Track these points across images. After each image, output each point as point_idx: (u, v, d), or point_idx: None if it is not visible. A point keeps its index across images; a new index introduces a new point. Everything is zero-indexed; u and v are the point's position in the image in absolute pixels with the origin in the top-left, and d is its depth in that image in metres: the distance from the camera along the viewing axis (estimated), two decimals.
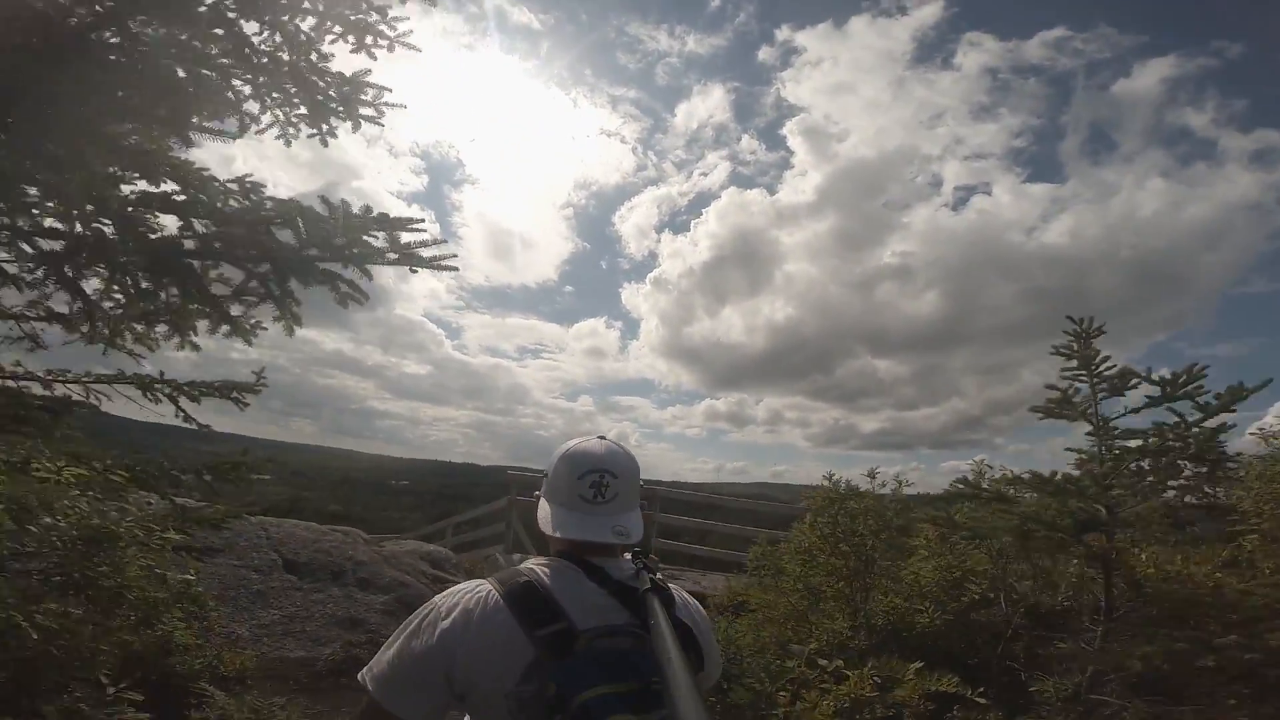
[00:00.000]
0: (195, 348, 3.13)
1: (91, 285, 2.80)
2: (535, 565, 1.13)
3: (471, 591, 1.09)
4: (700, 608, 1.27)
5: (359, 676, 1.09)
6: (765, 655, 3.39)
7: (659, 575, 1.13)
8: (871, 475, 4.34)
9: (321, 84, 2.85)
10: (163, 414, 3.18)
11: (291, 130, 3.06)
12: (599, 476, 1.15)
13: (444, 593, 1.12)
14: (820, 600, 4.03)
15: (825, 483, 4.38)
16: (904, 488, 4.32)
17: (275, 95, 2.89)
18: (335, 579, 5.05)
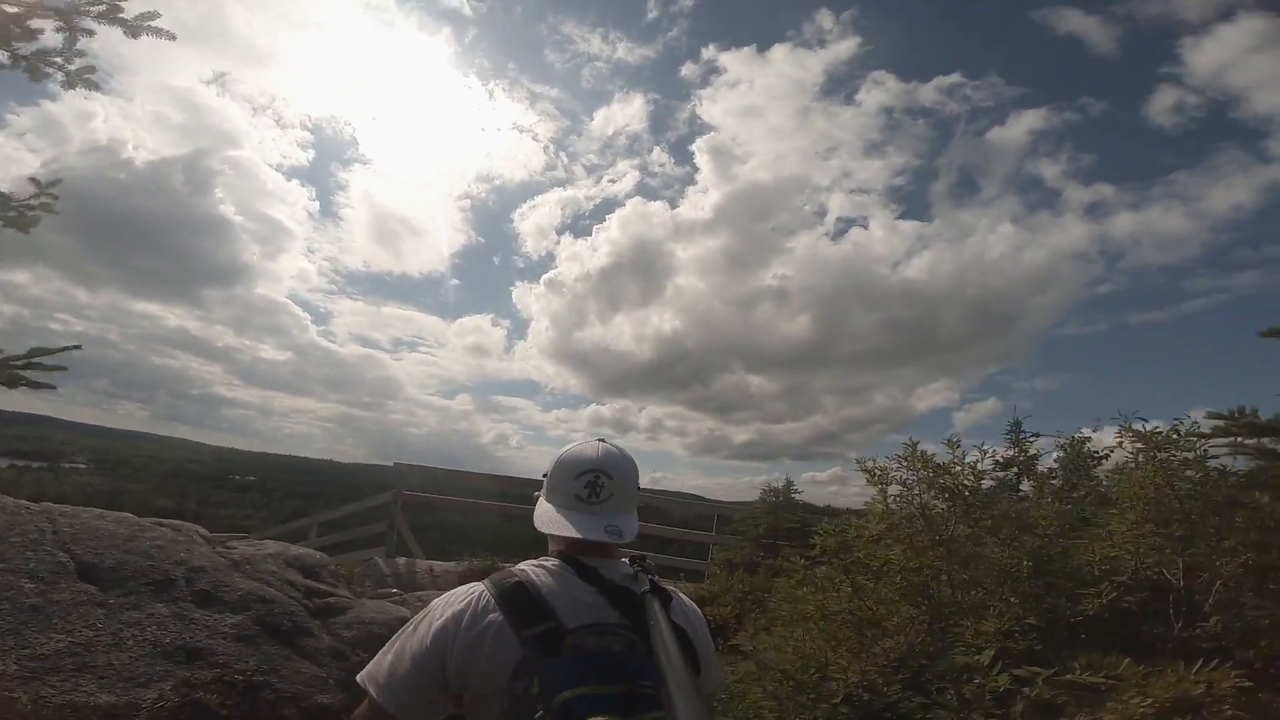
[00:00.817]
0: None
1: None
2: (528, 565, 1.16)
3: (466, 592, 1.12)
4: (699, 611, 1.28)
5: (358, 678, 1.11)
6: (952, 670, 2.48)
7: (656, 577, 1.16)
8: (952, 446, 3.47)
9: None
10: None
11: None
12: (594, 477, 1.18)
13: (441, 596, 1.15)
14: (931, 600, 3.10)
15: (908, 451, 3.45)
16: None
17: None
18: (160, 591, 3.45)
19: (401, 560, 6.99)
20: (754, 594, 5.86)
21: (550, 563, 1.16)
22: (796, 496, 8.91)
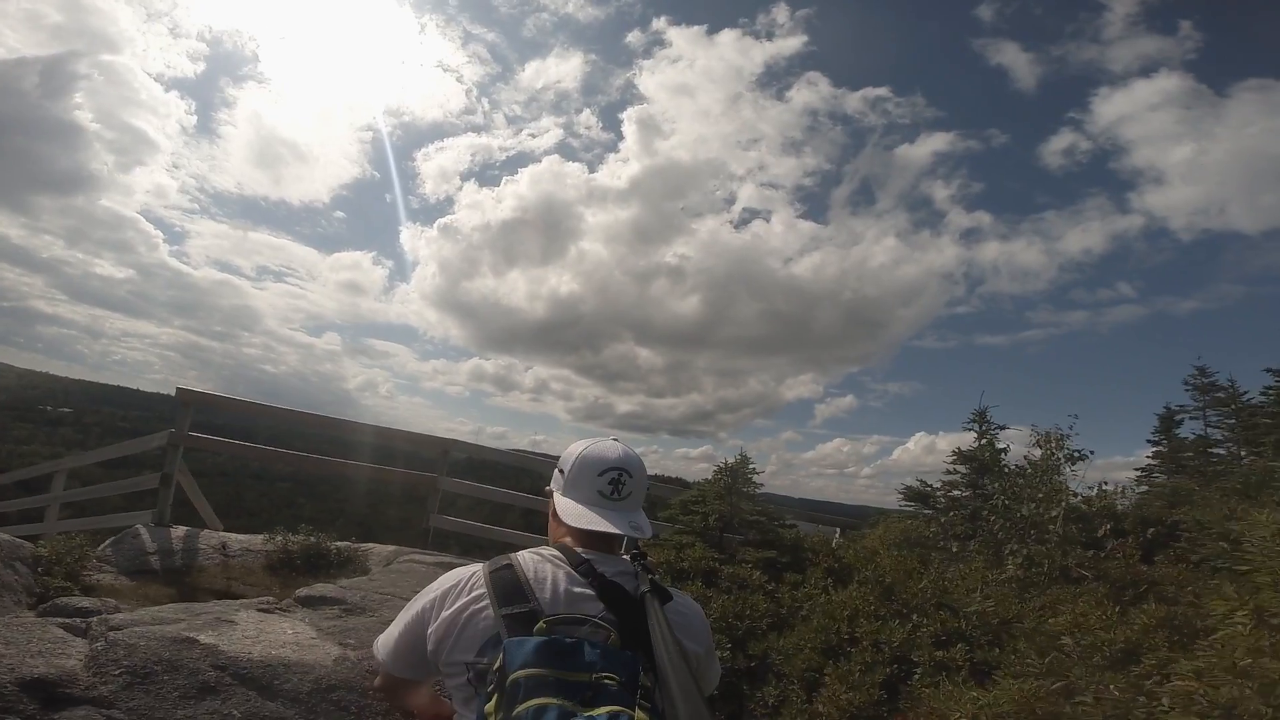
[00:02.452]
0: None
1: None
2: (527, 553, 1.21)
3: (463, 569, 1.21)
4: (699, 610, 1.30)
5: (373, 646, 1.28)
6: None
7: (657, 576, 1.18)
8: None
9: None
10: None
11: None
12: (617, 475, 1.25)
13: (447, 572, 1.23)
14: None
15: None
16: None
17: None
18: None
19: (179, 531, 5.37)
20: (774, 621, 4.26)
21: (547, 552, 1.21)
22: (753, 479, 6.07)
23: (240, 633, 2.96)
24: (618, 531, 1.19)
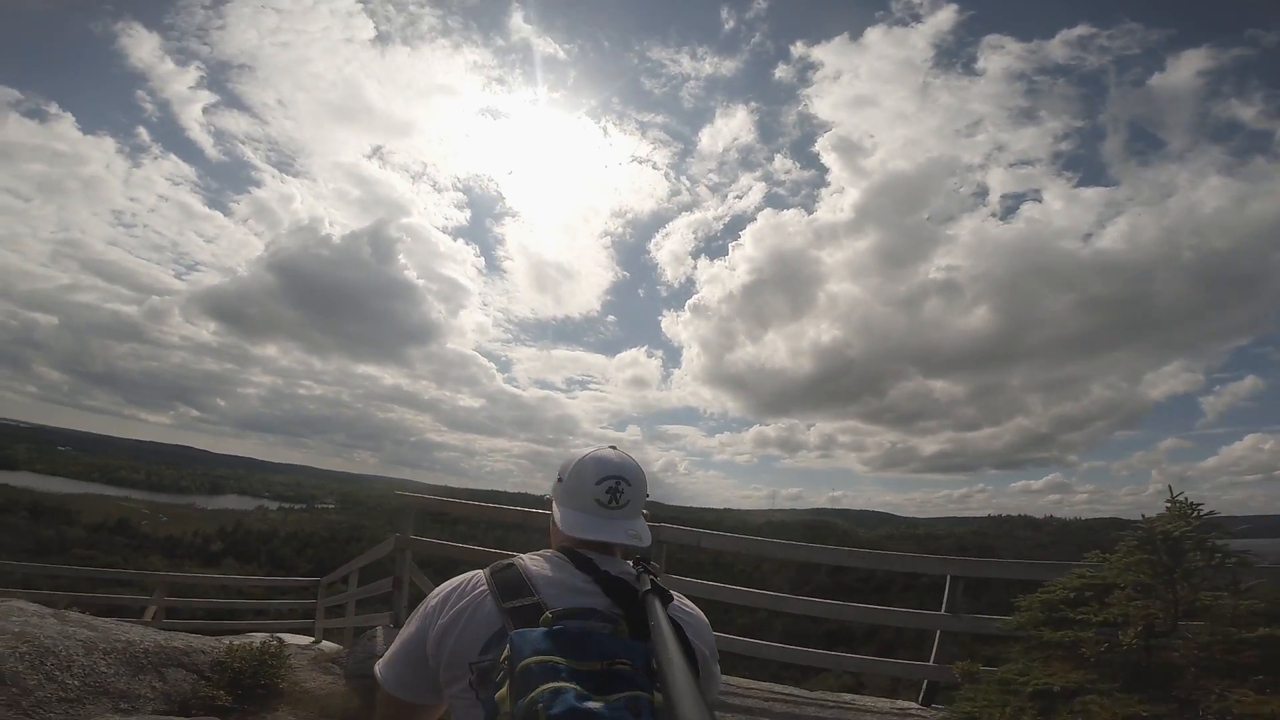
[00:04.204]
0: None
1: None
2: (526, 555, 1.20)
3: (464, 574, 1.19)
4: (701, 614, 1.28)
5: (374, 668, 1.21)
6: None
7: (659, 578, 1.18)
8: None
9: None
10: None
11: None
12: (615, 483, 1.23)
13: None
14: None
15: None
16: None
17: None
18: None
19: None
20: None
21: (548, 553, 1.21)
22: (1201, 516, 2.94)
23: None
24: (611, 540, 1.21)
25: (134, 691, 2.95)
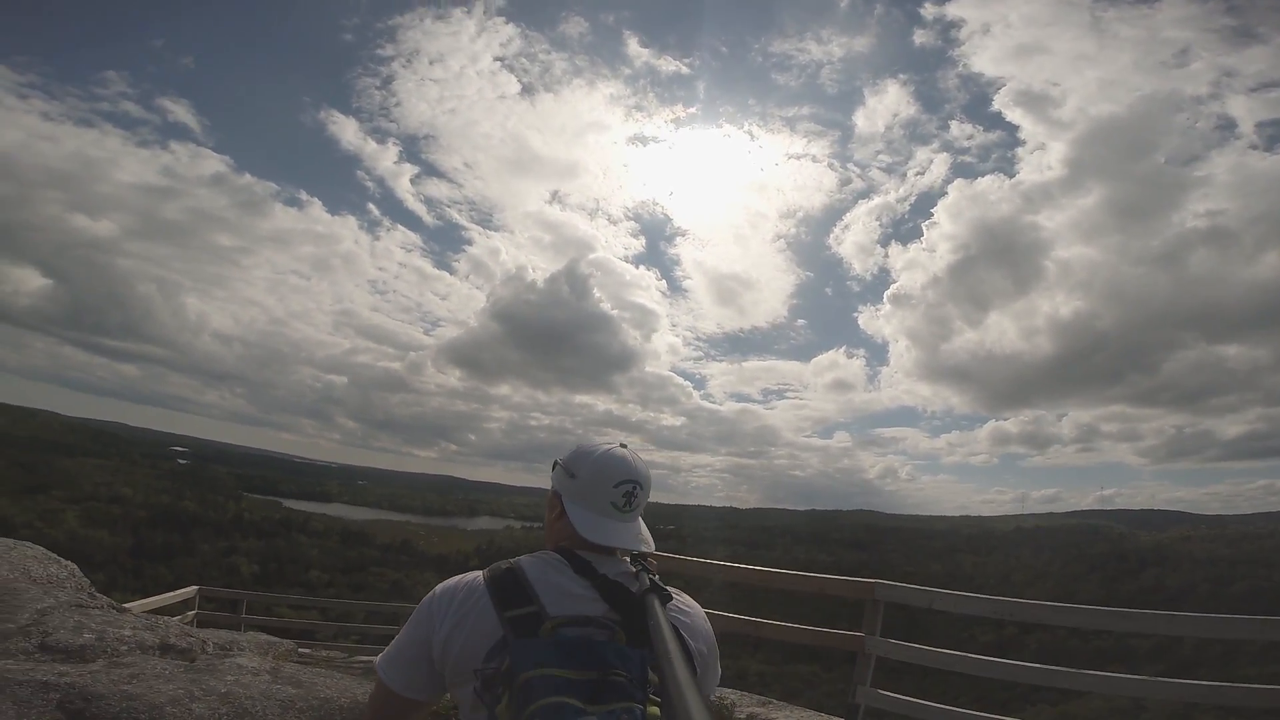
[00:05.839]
0: None
1: None
2: (525, 557, 1.19)
3: (463, 576, 1.18)
4: (701, 612, 1.27)
5: (375, 664, 1.19)
6: None
7: (657, 576, 1.20)
8: None
9: None
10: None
11: None
12: (631, 487, 1.22)
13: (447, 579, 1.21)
14: None
15: None
16: None
17: None
18: None
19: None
20: None
21: (546, 554, 1.20)
22: None
23: None
24: (626, 547, 1.22)
25: None
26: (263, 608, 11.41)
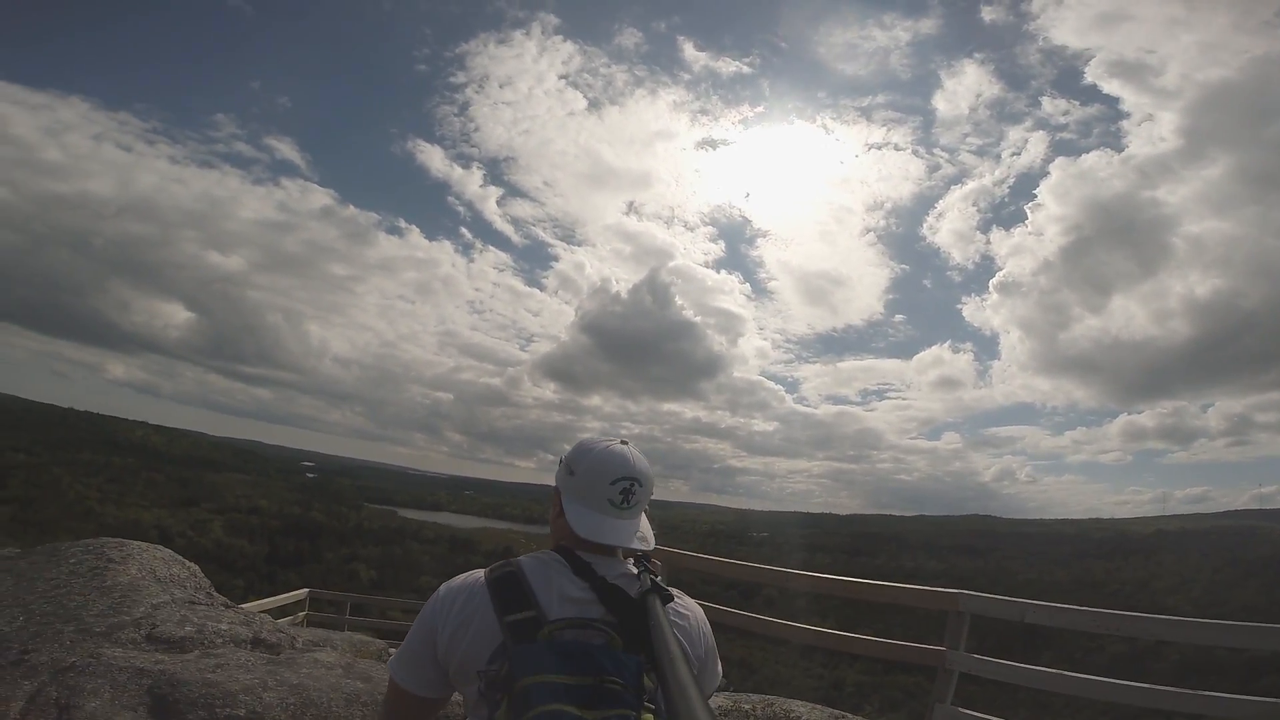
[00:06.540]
0: None
1: None
2: (525, 557, 1.20)
3: (466, 577, 1.19)
4: (701, 614, 1.28)
5: (388, 663, 1.22)
6: None
7: (659, 577, 1.20)
8: None
9: None
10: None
11: None
12: (629, 484, 1.21)
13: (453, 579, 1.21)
14: None
15: None
16: None
17: None
18: None
19: None
20: None
21: (545, 555, 1.21)
22: None
23: None
24: (624, 545, 1.21)
25: None
26: (376, 610, 12.23)
